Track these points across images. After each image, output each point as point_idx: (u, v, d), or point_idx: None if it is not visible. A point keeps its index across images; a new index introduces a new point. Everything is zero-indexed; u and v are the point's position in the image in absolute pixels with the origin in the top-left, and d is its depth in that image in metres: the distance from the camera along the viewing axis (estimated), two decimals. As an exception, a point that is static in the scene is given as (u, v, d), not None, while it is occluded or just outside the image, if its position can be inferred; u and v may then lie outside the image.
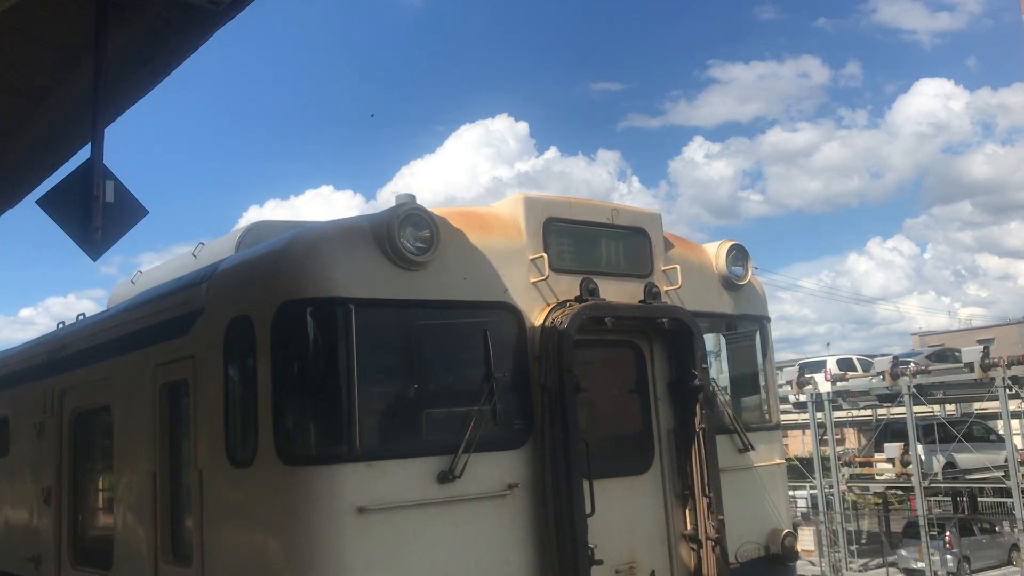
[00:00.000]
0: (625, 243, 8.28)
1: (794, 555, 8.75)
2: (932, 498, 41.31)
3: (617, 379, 8.29)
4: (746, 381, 9.43)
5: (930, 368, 38.25)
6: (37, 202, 5.85)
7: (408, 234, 6.88)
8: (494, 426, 7.08)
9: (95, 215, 5.64)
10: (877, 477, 41.09)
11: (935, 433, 38.34)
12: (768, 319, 9.51)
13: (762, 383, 9.40)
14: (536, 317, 7.49)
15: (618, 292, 7.95)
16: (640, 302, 8.05)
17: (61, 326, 11.76)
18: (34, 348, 11.89)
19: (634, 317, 7.88)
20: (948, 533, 37.44)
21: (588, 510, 7.09)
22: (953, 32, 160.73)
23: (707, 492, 7.91)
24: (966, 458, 38.20)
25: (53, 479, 10.34)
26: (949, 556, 36.90)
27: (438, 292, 7.05)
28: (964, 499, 44.18)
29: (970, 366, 35.57)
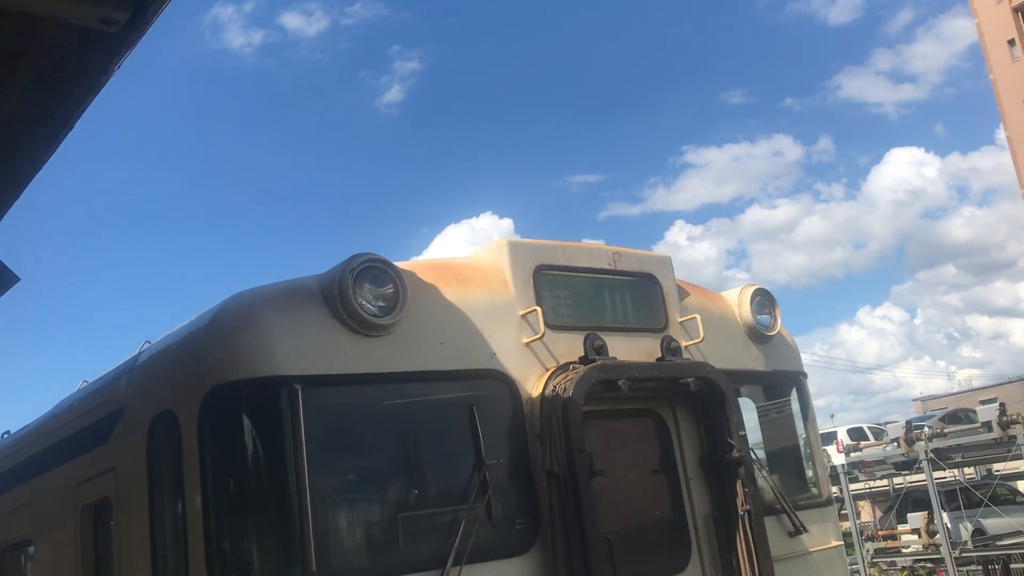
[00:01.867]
0: (633, 292, 6.94)
1: None
2: (963, 568, 39.09)
3: (637, 457, 6.83)
4: (787, 450, 7.95)
5: (946, 431, 36.63)
6: None
7: (367, 292, 5.53)
8: (491, 528, 5.62)
9: (-61, 283, 4.25)
10: (903, 550, 38.90)
11: (959, 498, 36.49)
12: (804, 375, 8.11)
13: (805, 451, 7.94)
14: (533, 386, 6.10)
15: (630, 350, 6.59)
16: (658, 360, 6.67)
17: None
18: None
19: (653, 378, 6.48)
20: (986, 606, 35.19)
21: None
22: (918, 102, 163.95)
23: (761, 590, 6.37)
24: (994, 523, 36.32)
25: None
26: (990, 630, 34.61)
27: (409, 362, 5.67)
28: (997, 567, 41.86)
29: (987, 425, 34.08)
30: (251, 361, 5.26)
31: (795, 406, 7.97)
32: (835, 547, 7.62)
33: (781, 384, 7.91)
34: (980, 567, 42.32)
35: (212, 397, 5.30)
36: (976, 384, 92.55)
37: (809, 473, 8.00)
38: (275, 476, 5.20)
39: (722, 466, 6.66)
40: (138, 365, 6.36)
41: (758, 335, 7.64)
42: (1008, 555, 38.86)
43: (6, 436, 9.62)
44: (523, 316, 6.26)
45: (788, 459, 7.96)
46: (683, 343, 6.91)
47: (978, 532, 36.42)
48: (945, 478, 40.00)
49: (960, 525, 36.05)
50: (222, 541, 5.22)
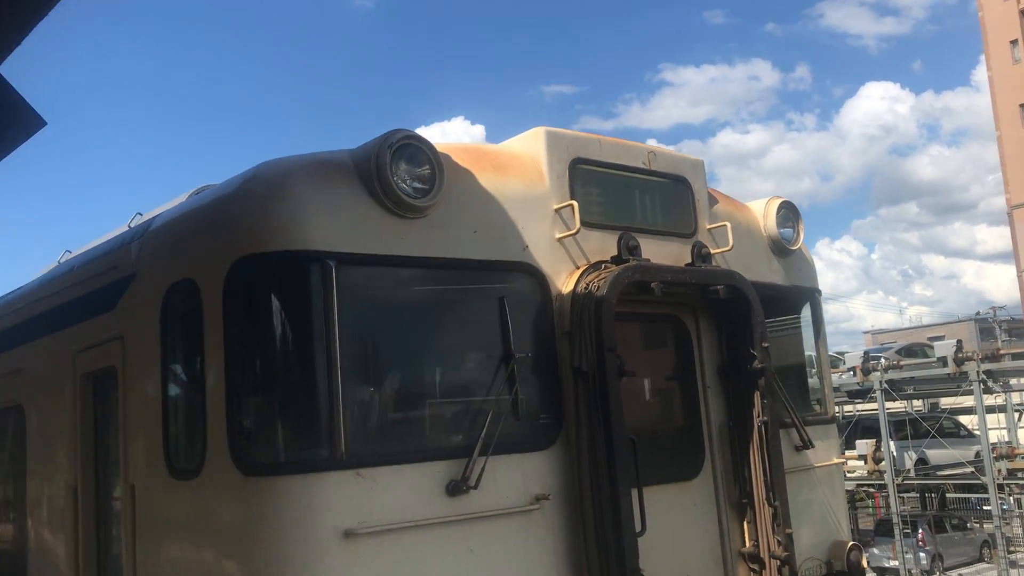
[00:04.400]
0: (664, 194, 6.73)
1: (860, 572, 7.28)
2: (903, 494, 40.61)
3: (656, 362, 6.75)
4: (796, 366, 7.91)
5: (902, 363, 37.47)
6: None
7: (403, 171, 5.25)
8: (516, 422, 5.51)
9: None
10: (848, 475, 40.18)
11: (907, 429, 37.61)
12: (819, 292, 8.03)
13: (815, 368, 7.92)
14: (564, 282, 5.93)
15: (659, 253, 6.42)
16: (687, 265, 6.51)
17: None
18: None
19: (684, 283, 6.31)
20: (921, 531, 36.69)
21: (638, 527, 5.54)
22: (899, 37, 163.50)
23: (772, 501, 6.40)
24: (936, 454, 37.59)
25: None
26: (922, 554, 36.17)
27: (442, 248, 5.44)
28: (934, 496, 43.57)
29: (943, 360, 34.87)
30: (284, 233, 4.98)
31: (810, 322, 7.91)
32: (836, 464, 7.68)
33: (797, 299, 7.82)
34: (917, 494, 44.11)
35: (240, 267, 5.04)
36: (926, 321, 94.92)
37: (816, 390, 8.00)
38: (306, 354, 4.99)
39: (741, 376, 6.59)
40: (152, 230, 6.05)
41: (780, 248, 7.51)
42: (946, 485, 40.42)
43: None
44: (557, 210, 6.03)
45: (797, 375, 7.92)
46: (712, 250, 6.76)
47: (921, 461, 37.69)
48: (895, 409, 41.19)
49: (905, 454, 37.25)
50: (245, 418, 5.04)
